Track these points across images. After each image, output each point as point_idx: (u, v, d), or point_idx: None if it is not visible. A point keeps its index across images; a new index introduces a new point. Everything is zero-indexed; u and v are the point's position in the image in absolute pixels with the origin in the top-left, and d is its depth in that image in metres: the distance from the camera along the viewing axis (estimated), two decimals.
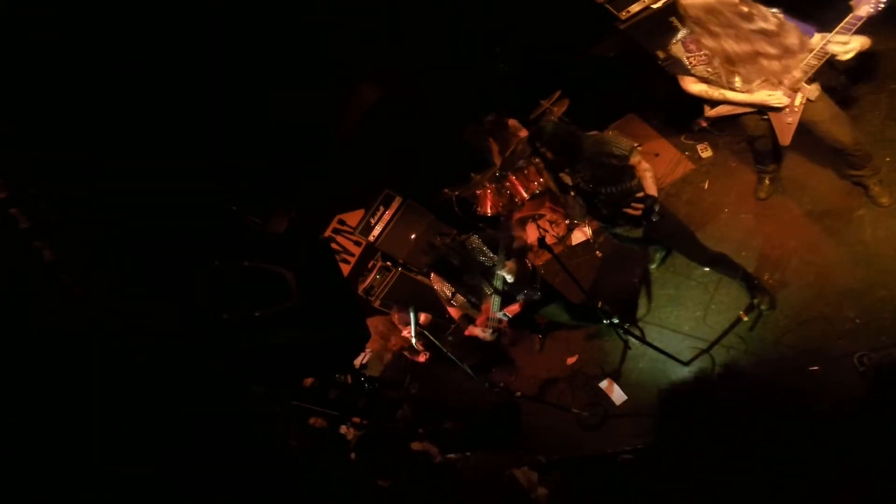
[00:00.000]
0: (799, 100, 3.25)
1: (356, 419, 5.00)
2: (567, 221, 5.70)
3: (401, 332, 5.07)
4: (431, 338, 4.30)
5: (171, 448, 1.86)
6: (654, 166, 4.89)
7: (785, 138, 3.43)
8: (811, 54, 3.08)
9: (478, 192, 5.92)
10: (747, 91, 3.30)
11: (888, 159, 3.86)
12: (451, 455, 4.57)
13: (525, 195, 5.68)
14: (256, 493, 2.12)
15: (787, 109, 3.31)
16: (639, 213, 3.47)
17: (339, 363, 3.81)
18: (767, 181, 4.29)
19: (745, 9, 3.00)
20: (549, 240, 5.16)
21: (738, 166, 4.70)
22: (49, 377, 1.68)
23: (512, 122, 5.81)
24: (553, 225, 5.78)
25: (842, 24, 2.97)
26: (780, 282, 3.93)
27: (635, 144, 3.66)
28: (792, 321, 3.73)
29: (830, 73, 4.21)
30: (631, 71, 5.22)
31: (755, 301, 3.84)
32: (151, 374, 1.85)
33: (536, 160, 5.52)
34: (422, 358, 4.27)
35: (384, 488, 3.90)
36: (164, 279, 2.09)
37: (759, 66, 3.17)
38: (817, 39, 3.08)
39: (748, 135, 3.78)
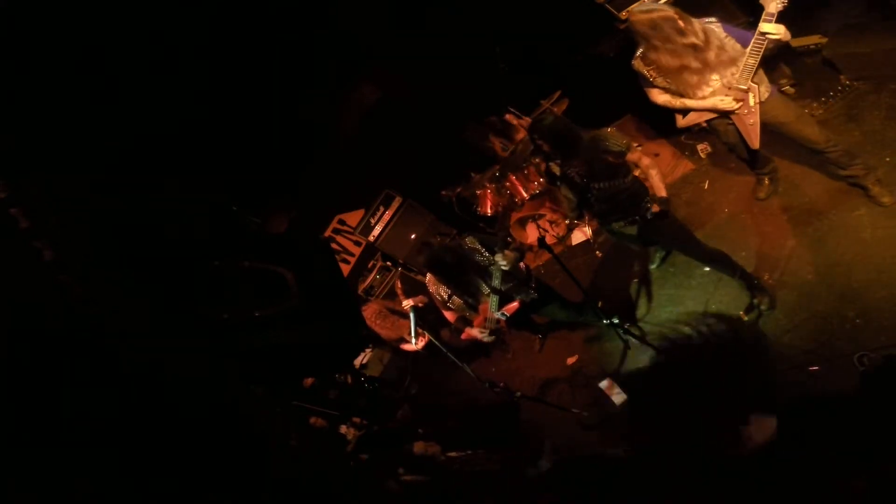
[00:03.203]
0: (752, 100, 3.44)
1: (356, 419, 4.99)
2: (567, 221, 5.70)
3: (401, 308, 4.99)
4: (432, 338, 4.29)
5: (170, 448, 1.86)
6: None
7: (753, 141, 3.59)
8: (747, 54, 3.30)
9: (478, 192, 5.92)
10: (701, 98, 3.52)
11: (888, 159, 3.86)
12: (453, 454, 4.56)
13: (525, 195, 5.68)
14: (256, 494, 2.12)
15: (746, 111, 3.50)
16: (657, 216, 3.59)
17: (339, 363, 3.82)
18: (767, 181, 4.29)
19: (682, 24, 3.26)
20: (549, 240, 5.16)
21: (737, 166, 4.69)
22: (49, 377, 1.68)
23: (510, 115, 5.81)
24: (553, 225, 5.78)
25: (761, 21, 3.19)
26: (780, 282, 3.93)
27: (634, 144, 3.68)
28: (792, 321, 3.73)
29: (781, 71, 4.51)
30: (631, 71, 5.22)
31: (755, 301, 3.85)
32: (151, 374, 1.85)
33: (536, 160, 5.52)
34: (421, 342, 4.22)
35: (383, 485, 3.90)
36: (164, 279, 2.09)
37: (681, 78, 3.46)
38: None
39: (723, 142, 3.91)
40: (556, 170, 3.67)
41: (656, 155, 5.27)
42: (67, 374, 1.71)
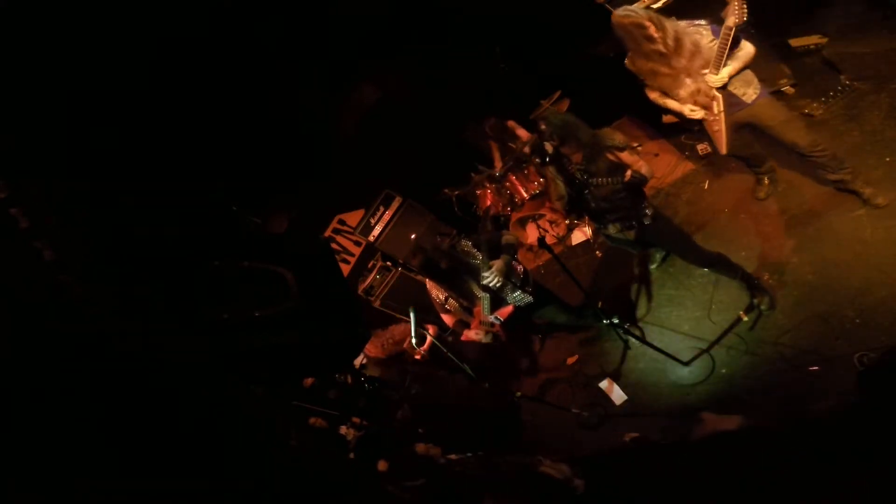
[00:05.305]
0: (717, 108, 3.45)
1: (356, 419, 4.99)
2: (567, 221, 5.70)
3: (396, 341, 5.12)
4: (432, 339, 4.29)
5: (169, 448, 1.86)
6: (654, 166, 4.88)
7: (720, 147, 3.62)
8: (711, 62, 3.29)
9: (478, 192, 5.92)
10: (677, 100, 3.57)
11: (888, 159, 3.86)
12: (453, 456, 4.56)
13: (525, 195, 5.68)
14: (256, 493, 2.12)
15: (711, 118, 3.50)
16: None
17: (339, 363, 3.81)
18: (766, 181, 4.30)
19: (651, 31, 3.26)
20: (549, 240, 5.16)
21: (737, 166, 4.69)
22: (48, 377, 1.68)
23: (511, 123, 5.81)
24: (553, 225, 5.78)
25: (720, 38, 3.16)
26: (780, 282, 3.93)
27: (634, 144, 3.69)
28: (791, 321, 3.73)
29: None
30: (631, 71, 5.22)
31: (755, 301, 3.85)
32: (151, 375, 1.85)
33: (536, 160, 5.52)
34: (419, 354, 4.25)
35: (383, 486, 3.89)
36: (164, 279, 2.09)
37: (657, 81, 3.51)
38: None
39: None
40: (549, 148, 3.64)
41: (656, 155, 5.28)
42: (67, 375, 1.71)
